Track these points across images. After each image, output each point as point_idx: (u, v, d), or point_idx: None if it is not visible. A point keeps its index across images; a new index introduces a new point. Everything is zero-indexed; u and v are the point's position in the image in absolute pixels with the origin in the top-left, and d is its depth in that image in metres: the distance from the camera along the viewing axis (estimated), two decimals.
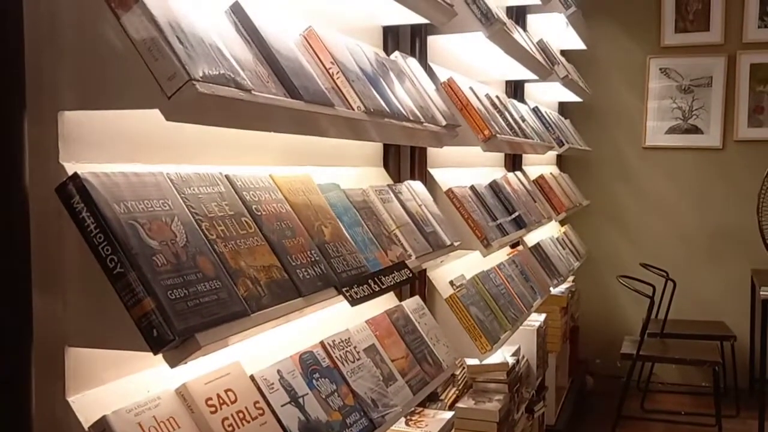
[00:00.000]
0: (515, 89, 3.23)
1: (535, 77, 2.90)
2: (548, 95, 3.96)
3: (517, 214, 2.47)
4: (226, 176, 1.18)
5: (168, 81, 0.88)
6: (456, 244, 1.90)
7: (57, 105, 0.95)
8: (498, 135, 2.07)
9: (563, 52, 4.15)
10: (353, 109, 1.34)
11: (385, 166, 1.96)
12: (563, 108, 4.46)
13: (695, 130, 4.32)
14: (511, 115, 2.58)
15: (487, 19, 1.98)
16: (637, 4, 4.33)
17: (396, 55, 1.82)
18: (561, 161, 4.40)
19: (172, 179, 1.06)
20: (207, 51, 0.96)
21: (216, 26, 1.05)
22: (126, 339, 0.89)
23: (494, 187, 2.51)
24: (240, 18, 1.15)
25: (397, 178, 1.97)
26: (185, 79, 0.88)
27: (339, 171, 1.70)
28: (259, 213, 1.19)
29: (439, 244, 1.80)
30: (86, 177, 0.91)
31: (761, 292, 3.49)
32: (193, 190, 1.09)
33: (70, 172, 0.91)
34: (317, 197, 1.40)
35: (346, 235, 1.42)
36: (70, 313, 0.95)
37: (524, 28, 3.18)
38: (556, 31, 3.83)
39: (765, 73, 4.15)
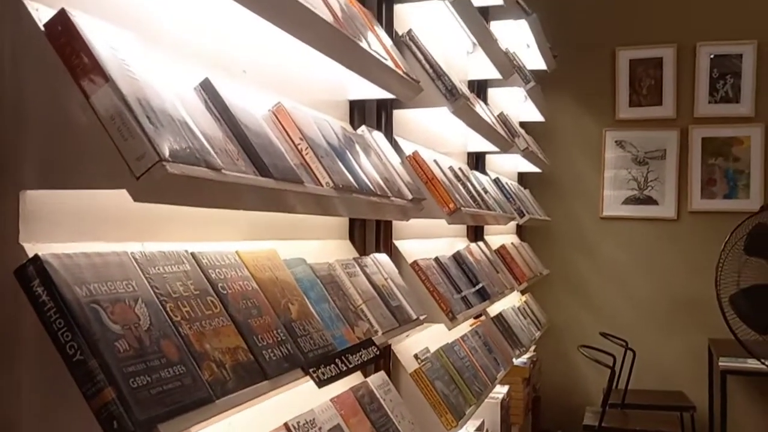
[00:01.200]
0: (477, 160, 3.27)
1: (497, 149, 2.94)
2: (508, 165, 4.02)
3: (480, 285, 2.47)
4: (192, 254, 1.15)
5: (137, 161, 0.86)
6: (422, 317, 1.88)
7: (19, 184, 0.92)
8: (462, 208, 2.07)
9: (522, 124, 4.24)
10: (322, 186, 1.33)
11: (351, 238, 1.95)
12: (522, 178, 4.52)
13: (651, 201, 4.41)
14: (474, 187, 2.60)
15: (451, 94, 2.01)
16: (592, 78, 4.46)
17: (363, 129, 1.83)
18: (521, 230, 4.44)
19: (137, 258, 1.02)
20: (177, 129, 0.95)
21: (185, 103, 1.04)
22: (84, 431, 0.85)
23: (458, 258, 2.51)
24: (210, 95, 1.14)
25: (363, 250, 1.96)
26: (155, 159, 0.86)
27: (305, 244, 1.68)
28: (225, 291, 1.16)
29: (405, 318, 1.78)
30: (47, 259, 0.88)
31: (719, 363, 3.52)
32: (158, 269, 1.05)
33: (30, 254, 0.88)
34: (284, 273, 1.38)
35: (313, 311, 1.40)
36: (24, 402, 0.90)
37: (485, 101, 3.24)
38: (515, 104, 3.92)
39: (716, 147, 4.28)
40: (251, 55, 1.50)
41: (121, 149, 0.86)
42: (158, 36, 1.23)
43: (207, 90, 1.14)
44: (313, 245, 1.73)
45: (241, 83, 1.43)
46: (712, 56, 4.27)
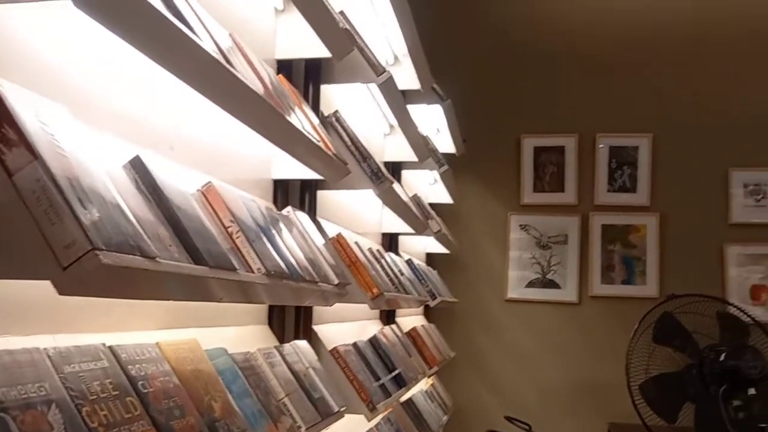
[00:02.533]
0: (391, 241, 3.25)
1: (412, 231, 2.92)
2: (417, 246, 4.01)
3: (397, 371, 2.40)
4: (110, 348, 1.04)
5: (65, 249, 0.76)
6: (342, 409, 1.79)
7: None
8: (385, 292, 2.02)
9: (432, 206, 4.27)
10: (253, 272, 1.25)
11: (270, 323, 1.85)
12: (430, 259, 4.53)
13: (553, 284, 4.49)
14: (392, 269, 2.55)
15: (377, 177, 1.98)
16: (499, 163, 4.58)
17: (288, 210, 1.76)
18: (428, 312, 4.42)
19: (50, 356, 0.91)
20: (109, 213, 0.85)
21: (115, 183, 0.95)
22: None
23: (374, 343, 2.44)
24: (140, 173, 1.05)
25: (282, 336, 1.86)
26: (86, 247, 0.76)
27: (224, 332, 1.57)
28: (146, 390, 1.05)
29: (327, 411, 1.68)
30: None
31: None
32: (74, 367, 0.94)
33: None
34: (206, 366, 1.27)
35: (236, 408, 1.29)
36: None
37: (400, 182, 3.24)
38: (426, 186, 3.95)
39: (614, 233, 4.44)
40: (178, 130, 1.42)
41: (46, 235, 0.76)
42: (82, 109, 1.14)
43: (137, 168, 1.05)
44: (233, 332, 1.62)
45: (169, 160, 1.34)
46: (610, 147, 4.47)
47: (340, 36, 1.81)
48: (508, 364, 4.47)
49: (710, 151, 4.34)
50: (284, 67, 1.92)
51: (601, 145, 4.48)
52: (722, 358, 3.28)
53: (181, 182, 1.15)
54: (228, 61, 1.23)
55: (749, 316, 3.70)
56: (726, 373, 3.22)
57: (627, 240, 4.43)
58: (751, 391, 3.18)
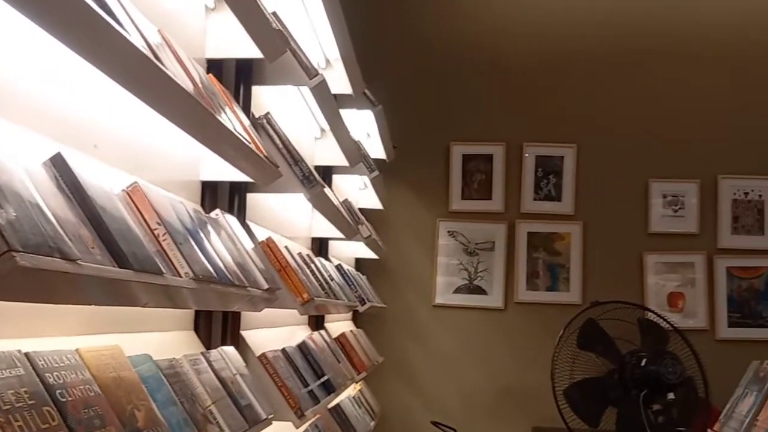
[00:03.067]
0: (320, 246, 3.22)
1: (342, 236, 2.91)
2: (347, 251, 3.99)
3: (326, 377, 2.37)
4: (26, 355, 0.98)
5: None
6: (270, 417, 1.76)
7: None
8: (315, 298, 1.99)
9: (362, 211, 4.25)
10: (181, 276, 1.21)
11: (196, 329, 1.80)
12: (359, 264, 4.52)
13: (480, 290, 4.54)
14: (322, 275, 2.53)
15: (308, 181, 1.95)
16: (428, 170, 4.61)
17: (217, 213, 1.72)
18: (356, 317, 4.40)
19: None
20: (27, 212, 0.81)
21: (34, 181, 0.90)
22: None
23: (303, 348, 2.40)
24: (61, 172, 1.00)
25: (209, 342, 1.81)
26: (2, 249, 0.71)
27: (148, 337, 1.52)
28: (64, 399, 1.00)
29: (254, 418, 1.65)
30: None
31: None
32: None
33: None
34: (129, 373, 1.22)
35: (160, 417, 1.24)
36: None
37: (330, 187, 3.22)
38: (356, 191, 3.94)
39: (539, 241, 4.52)
40: (103, 127, 1.37)
41: None
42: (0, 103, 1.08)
43: (58, 166, 1.00)
44: (157, 338, 1.57)
45: (93, 159, 1.29)
46: (537, 156, 4.55)
47: (272, 37, 1.78)
48: (435, 369, 4.49)
49: (631, 162, 4.48)
50: (214, 66, 1.88)
51: (527, 154, 4.56)
52: (643, 363, 3.38)
53: (105, 182, 1.11)
54: (157, 57, 1.19)
55: (668, 322, 3.83)
56: (646, 378, 3.32)
57: (552, 247, 4.52)
58: (670, 395, 3.29)
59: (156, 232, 1.23)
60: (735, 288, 4.39)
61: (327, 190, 2.47)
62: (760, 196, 4.42)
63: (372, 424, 3.62)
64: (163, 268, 1.12)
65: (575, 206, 4.50)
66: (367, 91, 3.38)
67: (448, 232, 4.60)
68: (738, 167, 4.42)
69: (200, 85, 1.48)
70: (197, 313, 1.81)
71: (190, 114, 1.34)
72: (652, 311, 3.85)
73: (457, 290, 4.57)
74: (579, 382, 3.46)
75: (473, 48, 4.63)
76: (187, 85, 1.32)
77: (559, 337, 3.46)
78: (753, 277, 4.40)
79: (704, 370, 3.59)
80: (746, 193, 4.43)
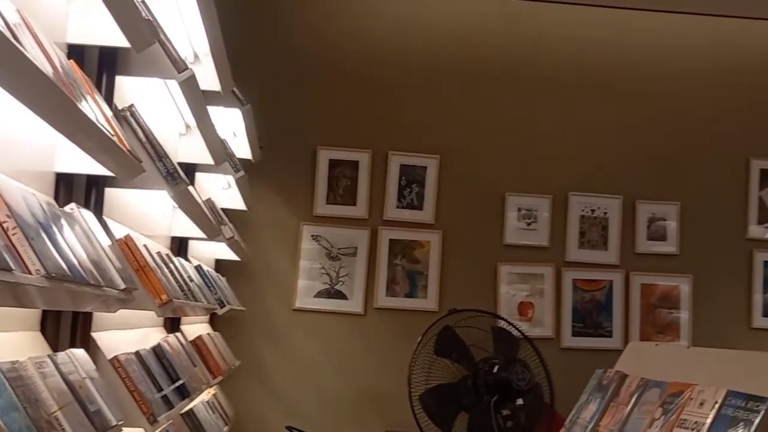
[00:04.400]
0: (180, 245, 3.12)
1: (204, 236, 2.83)
2: (207, 252, 3.89)
3: (181, 382, 2.30)
4: None
5: None
6: (120, 423, 1.68)
7: None
8: (174, 299, 1.93)
9: (225, 211, 4.16)
10: (31, 273, 1.13)
11: (43, 330, 1.69)
12: (220, 265, 4.41)
13: (341, 295, 4.56)
14: (181, 275, 2.45)
15: (172, 178, 1.89)
16: (294, 173, 4.58)
17: (72, 207, 1.62)
18: (214, 319, 4.30)
19: None
20: None
21: None
22: None
23: (158, 351, 2.31)
24: None
25: (56, 344, 1.70)
26: None
27: None
28: None
29: (104, 425, 1.56)
30: None
31: None
32: None
33: None
34: None
35: (1, 424, 1.15)
36: None
37: (193, 184, 3.13)
38: (219, 190, 3.84)
39: (401, 248, 4.60)
40: None
41: None
42: None
43: None
44: None
45: None
46: (401, 165, 4.64)
47: (141, 26, 1.71)
48: (293, 373, 4.47)
49: (490, 175, 4.66)
50: (76, 52, 1.77)
51: (392, 163, 4.64)
52: (495, 370, 3.51)
53: None
54: (15, 37, 1.11)
55: (519, 330, 4.00)
56: (498, 384, 3.45)
57: (412, 255, 4.62)
58: (519, 401, 3.44)
59: (5, 225, 1.14)
60: (579, 299, 4.66)
61: (191, 188, 2.39)
62: (605, 213, 4.72)
63: (225, 429, 3.54)
64: (12, 264, 1.05)
65: (436, 216, 4.62)
66: (236, 90, 3.32)
67: (312, 236, 4.59)
68: (587, 186, 4.70)
69: (60, 70, 1.39)
70: (45, 312, 1.70)
71: (48, 99, 1.25)
72: (505, 320, 4.02)
73: (318, 294, 4.56)
74: (434, 388, 3.55)
75: (344, 55, 4.66)
76: (46, 69, 1.24)
77: (417, 343, 3.53)
78: (596, 290, 4.69)
79: (551, 377, 3.78)
80: (593, 210, 4.72)
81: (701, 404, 1.51)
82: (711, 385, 1.54)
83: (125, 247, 1.84)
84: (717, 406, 1.46)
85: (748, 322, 4.72)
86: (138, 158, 1.69)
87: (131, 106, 1.95)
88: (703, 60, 4.81)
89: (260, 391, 4.45)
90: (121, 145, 1.58)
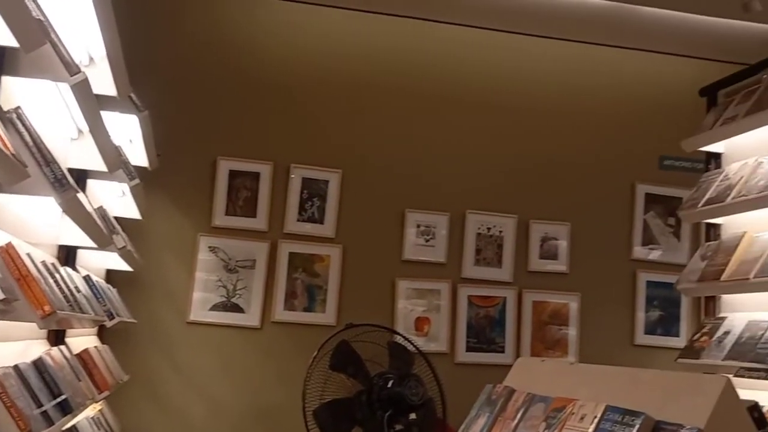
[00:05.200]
0: (68, 254, 2.99)
1: (94, 246, 2.72)
2: (97, 261, 3.75)
3: (63, 397, 2.19)
4: None
5: None
6: None
7: None
8: (58, 311, 1.85)
9: (118, 220, 4.03)
10: None
11: None
12: (111, 276, 4.26)
13: (237, 308, 4.49)
14: (67, 286, 2.35)
15: (61, 184, 1.81)
16: (193, 182, 4.49)
17: None
18: (102, 332, 4.14)
19: None
20: None
21: None
22: None
23: (39, 366, 2.20)
24: None
25: None
26: None
27: None
28: None
29: None
30: None
31: None
32: None
33: None
34: None
35: None
36: None
37: (84, 191, 3.02)
38: (114, 199, 3.72)
39: (300, 262, 4.58)
40: None
41: None
42: None
43: None
44: None
45: None
46: (303, 178, 4.62)
47: (31, 25, 1.64)
48: (185, 388, 4.35)
49: (391, 191, 4.71)
50: None
51: (294, 176, 4.62)
52: (389, 385, 3.54)
53: None
54: None
55: (414, 345, 4.05)
56: (391, 398, 3.48)
57: (312, 269, 4.60)
58: (412, 415, 3.47)
59: None
60: (474, 315, 4.77)
61: (81, 195, 2.31)
62: (501, 231, 4.85)
63: None
64: None
65: (337, 230, 4.63)
66: (133, 96, 3.23)
67: (209, 247, 4.51)
68: (484, 205, 4.82)
69: None
70: None
71: None
72: (401, 335, 4.06)
73: (214, 307, 4.48)
74: (328, 403, 3.54)
75: (248, 66, 4.63)
76: None
77: (313, 357, 3.52)
78: (490, 306, 4.81)
79: (443, 392, 3.84)
80: (489, 228, 4.84)
81: (582, 418, 1.58)
82: (591, 400, 1.61)
83: (6, 255, 1.75)
84: (596, 420, 1.52)
85: (631, 339, 4.94)
86: (23, 163, 1.62)
87: (18, 108, 1.86)
88: (593, 88, 5.04)
89: (150, 407, 4.31)
90: (4, 149, 1.51)
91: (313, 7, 4.71)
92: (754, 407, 1.37)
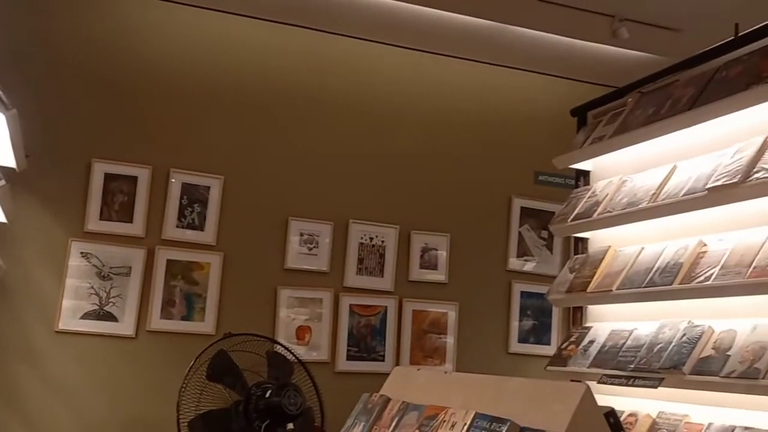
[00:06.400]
0: None
1: None
2: None
3: None
4: None
5: None
6: None
7: None
8: None
9: None
10: None
11: None
12: None
13: (110, 317, 4.33)
14: None
15: None
16: (64, 186, 4.29)
17: None
18: None
19: None
20: None
21: None
22: None
23: None
24: None
25: None
26: None
27: None
28: None
29: None
30: None
31: None
32: None
33: None
34: None
35: None
36: None
37: None
38: None
39: (179, 269, 4.47)
40: None
41: None
42: None
43: None
44: None
45: None
46: (183, 184, 4.52)
47: None
48: (54, 401, 4.14)
49: (274, 199, 4.68)
50: None
51: (174, 180, 4.51)
52: (267, 395, 3.51)
53: None
54: None
55: (294, 354, 4.03)
56: (269, 408, 3.45)
57: (190, 276, 4.50)
58: (290, 426, 3.46)
59: None
60: (355, 324, 4.80)
61: None
62: (383, 241, 4.92)
63: None
64: None
65: (218, 237, 4.55)
66: (1, 93, 3.06)
67: (81, 253, 4.32)
68: (366, 214, 4.87)
69: None
70: None
71: None
72: (280, 344, 4.04)
73: (85, 316, 4.29)
74: (204, 414, 3.47)
75: (128, 65, 4.49)
76: None
77: (189, 367, 3.44)
78: (371, 315, 4.86)
79: (322, 401, 3.85)
80: (371, 238, 4.90)
81: (453, 426, 1.63)
82: (462, 408, 1.66)
83: None
84: (466, 427, 1.58)
85: (506, 347, 5.12)
86: None
87: None
88: (474, 104, 5.21)
89: (14, 420, 4.08)
90: None
91: (198, 10, 4.63)
92: (610, 413, 1.45)
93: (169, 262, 4.46)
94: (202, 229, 4.55)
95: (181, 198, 4.52)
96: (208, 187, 4.58)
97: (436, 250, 5.04)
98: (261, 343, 3.85)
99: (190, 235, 4.51)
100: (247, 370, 3.66)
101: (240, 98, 4.69)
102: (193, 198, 4.55)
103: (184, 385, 3.40)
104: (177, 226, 4.50)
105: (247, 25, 4.74)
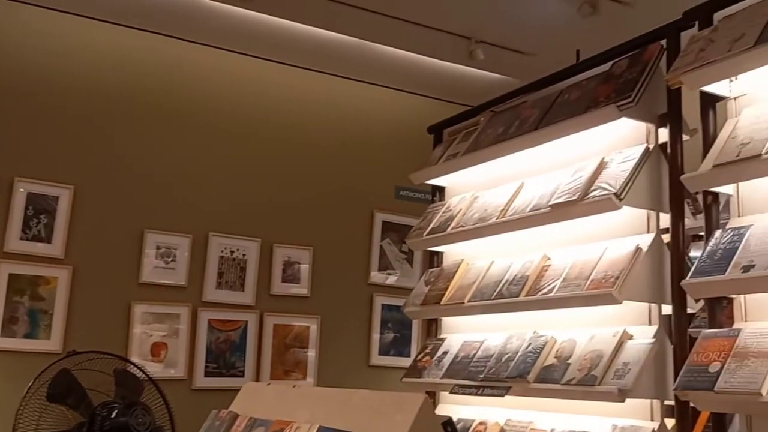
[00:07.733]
0: None
1: None
2: None
3: None
4: None
5: None
6: None
7: None
8: None
9: None
10: None
11: None
12: None
13: None
14: None
15: None
16: None
17: None
18: None
19: None
20: None
21: None
22: None
23: None
24: None
25: None
26: None
27: None
28: None
29: None
30: None
31: None
32: None
33: None
34: None
35: None
36: None
37: None
38: None
39: (23, 284, 4.21)
40: None
41: None
42: None
43: None
44: None
45: None
46: (29, 193, 4.27)
47: None
48: None
49: (129, 211, 4.51)
50: None
51: (21, 190, 4.25)
52: (113, 415, 3.35)
53: None
54: None
55: (145, 373, 3.88)
56: (116, 429, 3.30)
57: (36, 292, 4.25)
58: None
59: None
60: (214, 339, 4.69)
61: None
62: (244, 255, 4.84)
63: None
64: None
65: (66, 250, 4.32)
66: None
67: None
68: (227, 227, 4.79)
69: None
70: None
71: None
72: (130, 362, 3.88)
73: None
74: None
75: None
76: None
77: (28, 388, 3.23)
78: (231, 330, 4.77)
79: (174, 419, 3.73)
80: (232, 252, 4.81)
81: None
82: (307, 422, 1.66)
83: None
84: None
85: (367, 360, 5.17)
86: None
87: None
88: (336, 118, 5.25)
89: None
90: None
91: (44, 10, 4.41)
92: (447, 422, 1.50)
93: (12, 277, 4.19)
94: (49, 242, 4.30)
95: (26, 208, 4.26)
96: (57, 197, 4.34)
97: (299, 263, 5.02)
98: (109, 361, 3.67)
99: (35, 248, 4.26)
100: (93, 389, 3.48)
101: (92, 105, 4.50)
102: (40, 208, 4.30)
103: (22, 407, 3.19)
104: (21, 238, 4.24)
105: (99, 29, 4.55)
